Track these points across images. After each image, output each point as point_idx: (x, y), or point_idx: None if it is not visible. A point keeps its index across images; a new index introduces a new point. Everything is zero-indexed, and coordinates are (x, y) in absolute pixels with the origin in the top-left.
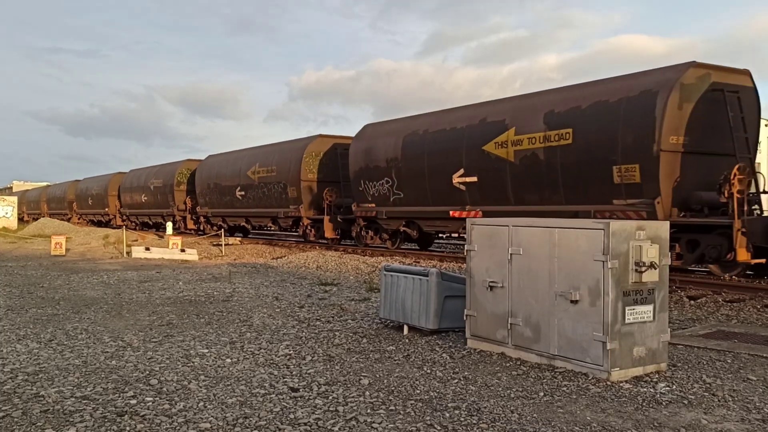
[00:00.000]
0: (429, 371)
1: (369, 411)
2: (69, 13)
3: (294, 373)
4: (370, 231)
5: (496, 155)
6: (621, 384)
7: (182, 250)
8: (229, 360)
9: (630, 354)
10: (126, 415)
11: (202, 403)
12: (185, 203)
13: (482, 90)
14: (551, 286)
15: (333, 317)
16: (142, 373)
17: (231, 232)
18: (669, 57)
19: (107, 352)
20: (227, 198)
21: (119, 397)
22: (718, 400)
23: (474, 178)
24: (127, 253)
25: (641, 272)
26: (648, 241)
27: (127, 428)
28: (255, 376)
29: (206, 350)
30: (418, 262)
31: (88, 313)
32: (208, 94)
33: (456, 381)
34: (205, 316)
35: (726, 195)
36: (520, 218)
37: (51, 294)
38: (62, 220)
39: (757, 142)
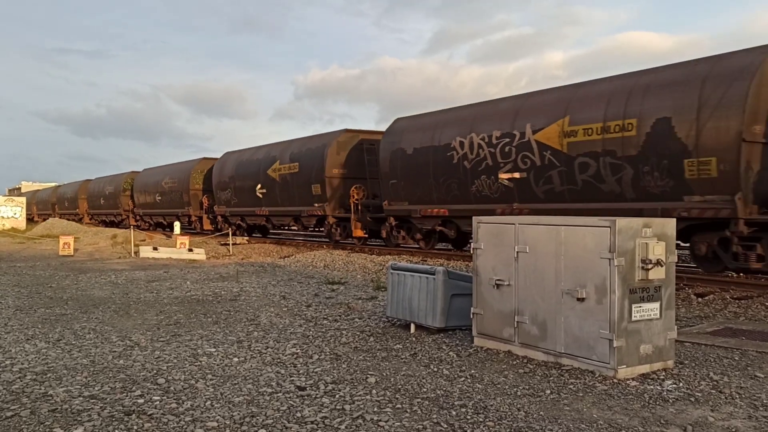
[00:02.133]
0: (436, 369)
1: (376, 409)
2: (77, 14)
3: (301, 371)
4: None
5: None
6: (628, 381)
7: (190, 250)
8: (236, 359)
9: (637, 351)
10: (133, 414)
11: (209, 402)
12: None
13: (488, 88)
14: (558, 284)
15: (340, 316)
16: (150, 372)
17: (250, 232)
18: (677, 53)
19: (115, 351)
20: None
21: (127, 396)
22: (726, 398)
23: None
24: (135, 253)
25: (648, 270)
26: (654, 238)
27: (135, 427)
28: (262, 375)
29: (213, 349)
30: (425, 261)
31: (96, 313)
32: (214, 93)
33: (463, 379)
34: (212, 315)
35: None
36: (526, 216)
37: (59, 294)
38: (73, 220)
39: None
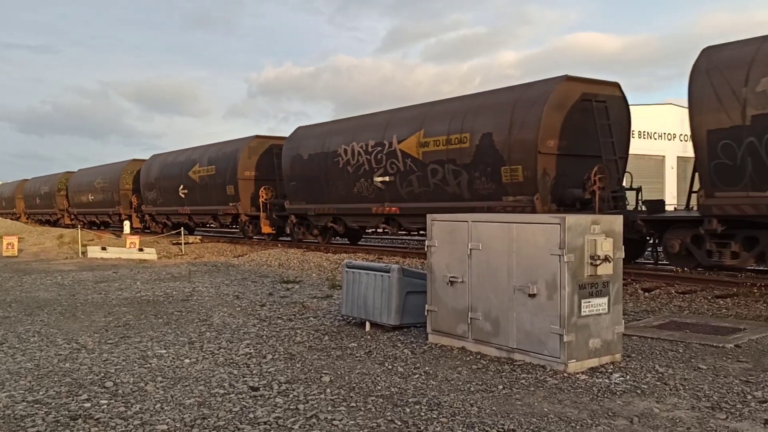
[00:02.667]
0: (390, 367)
1: (330, 408)
2: (23, 8)
3: (254, 372)
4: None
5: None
6: (577, 375)
7: (140, 250)
8: (187, 360)
9: (586, 346)
10: (80, 419)
11: (159, 405)
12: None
13: (442, 86)
14: (510, 281)
15: (294, 315)
16: (97, 375)
17: (175, 229)
18: (624, 54)
19: (61, 354)
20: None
21: (73, 400)
22: (670, 389)
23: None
24: (83, 253)
25: (596, 265)
26: (602, 235)
27: None
28: (214, 376)
29: (164, 351)
30: (381, 259)
31: (41, 315)
32: (167, 90)
33: (417, 376)
34: (163, 316)
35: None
36: (479, 214)
37: (2, 296)
38: (11, 219)
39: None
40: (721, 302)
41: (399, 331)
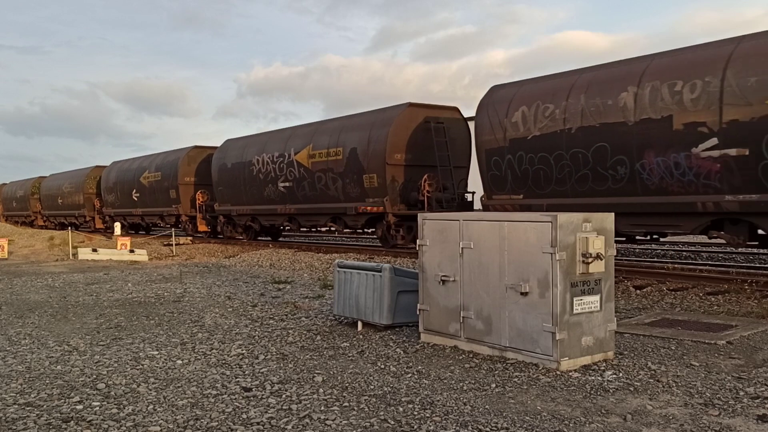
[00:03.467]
0: (383, 366)
1: (323, 408)
2: (10, 9)
3: (247, 372)
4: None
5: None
6: (570, 373)
7: (131, 251)
8: (180, 361)
9: (578, 343)
10: (72, 421)
11: (151, 406)
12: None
13: (432, 85)
14: (502, 279)
15: (286, 315)
16: (89, 377)
17: (133, 229)
18: (612, 52)
19: (52, 357)
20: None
21: (65, 402)
22: (663, 386)
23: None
24: (74, 255)
25: (588, 263)
26: (594, 232)
27: None
28: (207, 377)
29: (156, 352)
30: (372, 258)
31: (32, 318)
32: (155, 90)
33: (410, 375)
34: (155, 317)
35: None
36: (471, 212)
37: None
38: None
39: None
40: (713, 299)
41: (391, 330)
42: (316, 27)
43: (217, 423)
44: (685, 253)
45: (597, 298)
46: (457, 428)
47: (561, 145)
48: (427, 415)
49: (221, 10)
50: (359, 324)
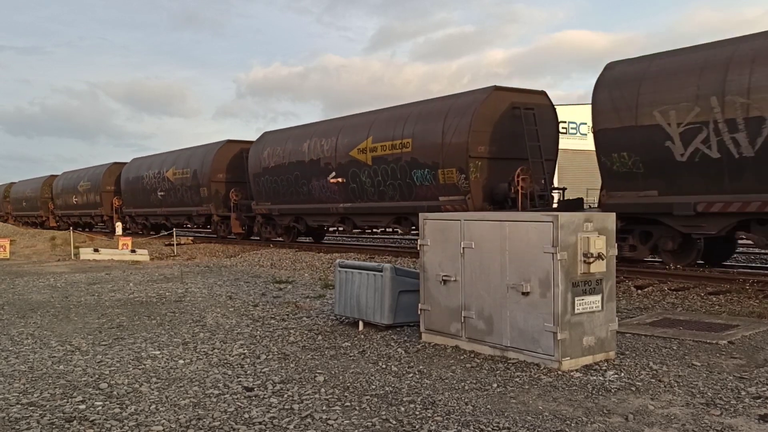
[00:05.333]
0: (384, 366)
1: (324, 408)
2: (11, 9)
3: (248, 372)
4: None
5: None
6: (571, 373)
7: (133, 251)
8: (181, 361)
9: (580, 343)
10: (75, 421)
11: (154, 406)
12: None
13: (431, 85)
14: (503, 279)
15: (288, 315)
16: (92, 377)
17: (155, 230)
18: (612, 52)
19: (54, 356)
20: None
21: (67, 402)
22: (665, 386)
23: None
24: (75, 255)
25: (589, 263)
26: (595, 232)
27: None
28: (208, 377)
29: (158, 352)
30: (373, 258)
31: (34, 318)
32: (155, 90)
33: (411, 375)
34: (156, 317)
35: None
36: (472, 212)
37: None
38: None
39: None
40: (714, 299)
41: (392, 330)
42: (316, 27)
43: (219, 423)
44: None
45: (598, 297)
46: (459, 428)
47: None
48: (429, 414)
49: (221, 11)
50: (360, 324)
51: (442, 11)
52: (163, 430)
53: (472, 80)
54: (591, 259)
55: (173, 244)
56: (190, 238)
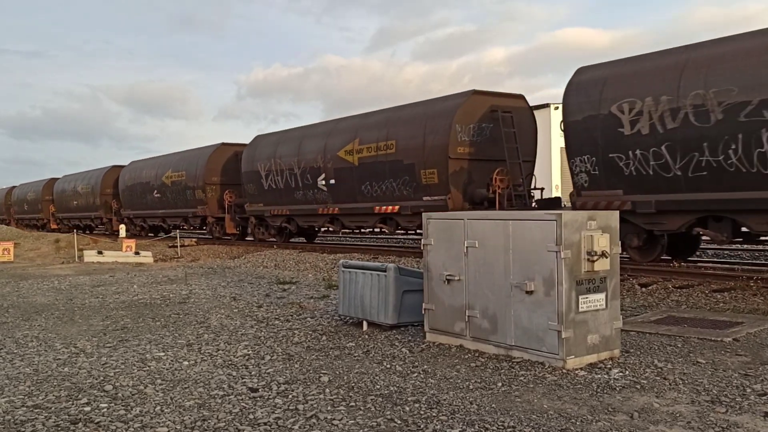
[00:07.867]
0: (389, 366)
1: (329, 408)
2: (14, 13)
3: (253, 373)
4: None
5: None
6: (576, 371)
7: (137, 253)
8: (186, 362)
9: (584, 342)
10: (80, 423)
11: (159, 407)
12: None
13: (432, 85)
14: (507, 278)
15: (292, 316)
16: (96, 379)
17: (153, 232)
18: (613, 49)
19: (59, 359)
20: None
21: (73, 404)
22: (669, 384)
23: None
24: (79, 257)
25: (593, 261)
26: (599, 230)
27: None
28: (213, 378)
29: (163, 353)
30: (377, 258)
31: (38, 320)
32: (156, 93)
33: (416, 375)
34: (161, 319)
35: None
36: (475, 212)
37: None
38: (1, 224)
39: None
40: (719, 296)
41: (396, 330)
42: (315, 27)
43: (224, 423)
44: None
45: (602, 296)
46: (464, 427)
47: None
48: (434, 414)
49: (220, 13)
50: (364, 324)
51: (442, 10)
52: (168, 431)
53: (473, 79)
54: (595, 257)
55: (177, 246)
56: (194, 239)
